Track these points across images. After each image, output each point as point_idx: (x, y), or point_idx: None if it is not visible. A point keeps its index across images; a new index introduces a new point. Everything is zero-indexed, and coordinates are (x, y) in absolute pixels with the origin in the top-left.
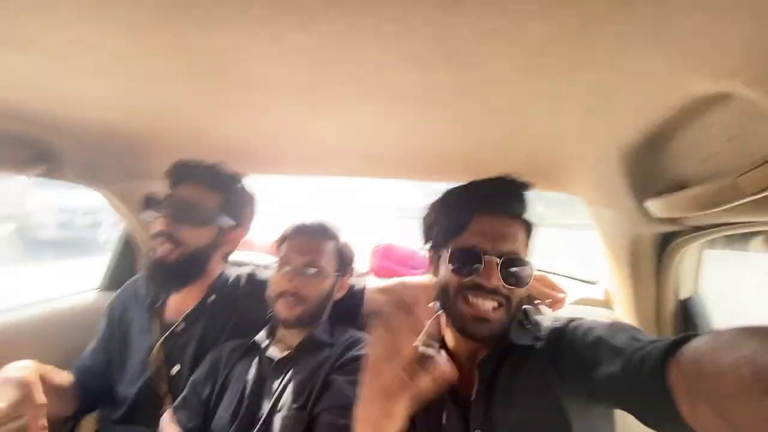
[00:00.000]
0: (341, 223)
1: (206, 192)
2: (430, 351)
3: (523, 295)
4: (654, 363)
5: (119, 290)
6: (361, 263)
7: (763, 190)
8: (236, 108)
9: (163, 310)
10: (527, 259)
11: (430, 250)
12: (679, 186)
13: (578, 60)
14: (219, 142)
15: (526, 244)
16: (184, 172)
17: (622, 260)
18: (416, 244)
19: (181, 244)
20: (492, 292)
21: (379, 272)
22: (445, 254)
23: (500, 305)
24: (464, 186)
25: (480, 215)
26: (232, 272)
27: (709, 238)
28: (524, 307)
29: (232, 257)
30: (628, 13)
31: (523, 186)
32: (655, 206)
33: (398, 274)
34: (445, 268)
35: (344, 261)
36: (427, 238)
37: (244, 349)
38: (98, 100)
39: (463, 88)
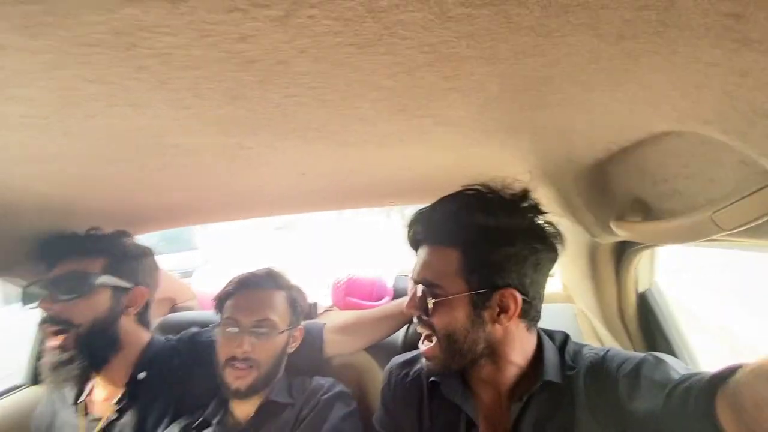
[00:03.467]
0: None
1: (85, 260)
2: None
3: (450, 326)
4: (699, 398)
5: (46, 397)
6: (323, 299)
7: (741, 226)
8: (158, 171)
9: (89, 404)
10: (440, 283)
11: None
12: (639, 203)
13: (532, 103)
14: (145, 202)
15: (455, 270)
16: (56, 250)
17: (579, 262)
18: (375, 270)
19: (72, 325)
20: (418, 320)
21: (344, 308)
22: None
23: (429, 338)
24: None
25: (420, 247)
26: (160, 341)
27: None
28: (562, 335)
29: (169, 317)
30: (592, 66)
31: (455, 208)
32: (623, 232)
33: (362, 308)
34: None
35: (297, 312)
36: None
37: (195, 427)
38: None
39: (410, 134)
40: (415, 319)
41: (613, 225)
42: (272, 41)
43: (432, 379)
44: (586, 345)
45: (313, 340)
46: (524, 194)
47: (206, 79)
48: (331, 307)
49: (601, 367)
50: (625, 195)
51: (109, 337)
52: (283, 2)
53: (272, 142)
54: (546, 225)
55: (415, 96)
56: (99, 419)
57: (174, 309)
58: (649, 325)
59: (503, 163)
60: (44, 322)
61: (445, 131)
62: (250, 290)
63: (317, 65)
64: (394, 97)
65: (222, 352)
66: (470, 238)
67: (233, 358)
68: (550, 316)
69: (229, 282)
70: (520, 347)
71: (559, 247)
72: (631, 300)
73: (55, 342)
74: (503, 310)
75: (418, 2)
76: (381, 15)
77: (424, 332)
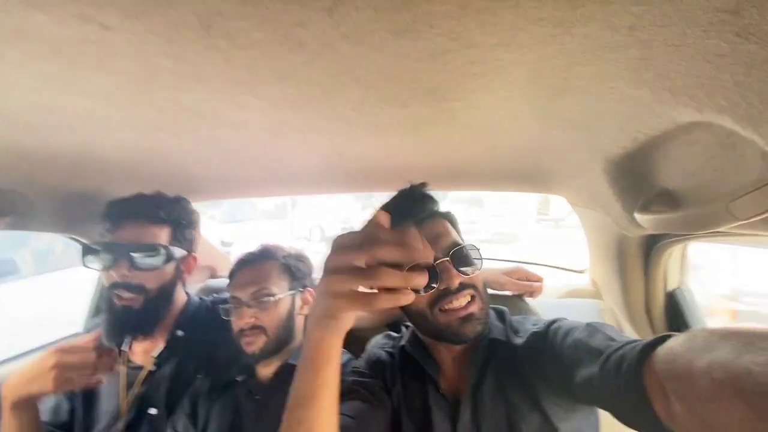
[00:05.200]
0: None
1: (153, 227)
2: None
3: (484, 277)
4: (630, 364)
5: None
6: None
7: (755, 216)
8: (212, 143)
9: (128, 354)
10: (463, 243)
11: None
12: (666, 195)
13: (559, 88)
14: (196, 172)
15: (458, 232)
16: (123, 211)
17: (608, 257)
18: None
19: (144, 290)
20: (461, 289)
21: None
22: None
23: (473, 297)
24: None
25: (423, 222)
26: (196, 302)
27: (697, 239)
28: (499, 308)
29: (210, 282)
30: (611, 55)
31: (423, 187)
32: (645, 221)
33: None
34: None
35: (296, 275)
36: None
37: (222, 385)
38: (69, 149)
39: (442, 117)
40: (455, 285)
41: (636, 215)
42: (321, 27)
43: (401, 342)
44: (531, 317)
45: None
46: None
47: (262, 59)
48: None
49: (545, 337)
50: (653, 187)
51: (168, 300)
52: None
53: (313, 120)
54: None
55: (444, 79)
56: (139, 368)
57: (213, 278)
58: (677, 326)
59: (533, 152)
60: (117, 286)
61: (476, 116)
62: (246, 268)
63: (357, 48)
64: (425, 79)
65: (234, 327)
66: (442, 209)
67: (242, 330)
68: (576, 311)
69: (234, 262)
70: None
71: None
72: (659, 298)
73: (124, 301)
74: None
75: None
76: (413, 6)
77: (467, 298)
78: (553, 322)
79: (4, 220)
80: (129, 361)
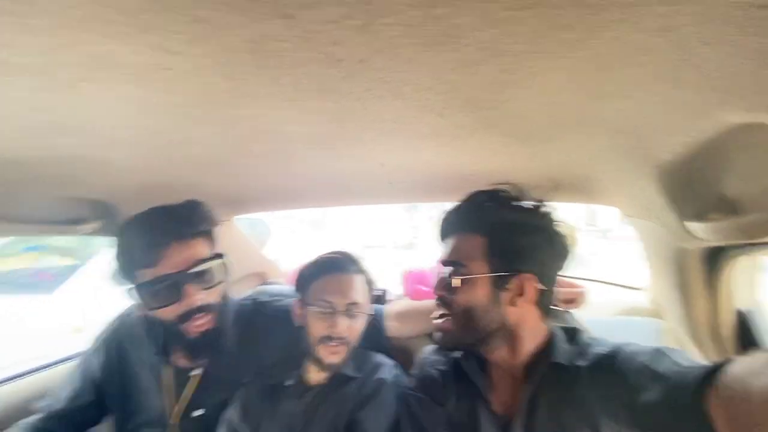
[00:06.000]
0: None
1: (198, 241)
2: None
3: (470, 303)
4: (693, 389)
5: (113, 328)
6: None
7: None
8: (262, 157)
9: (175, 357)
10: (466, 264)
11: None
12: (724, 203)
13: (599, 93)
14: (248, 185)
15: (480, 254)
16: (163, 234)
17: (667, 272)
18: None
19: (214, 307)
20: (440, 299)
21: (414, 296)
22: None
23: (446, 314)
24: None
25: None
26: (236, 303)
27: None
28: (571, 328)
29: (260, 288)
30: (645, 58)
31: (484, 200)
32: (699, 230)
33: (429, 295)
34: None
35: (372, 295)
36: None
37: (271, 388)
38: (144, 163)
39: (481, 125)
40: (436, 300)
41: (692, 226)
42: (356, 43)
43: (455, 356)
44: (598, 338)
45: (376, 322)
46: (541, 199)
47: (305, 75)
48: (401, 296)
49: (612, 360)
50: (710, 194)
51: (228, 306)
52: (363, 15)
53: (354, 133)
54: (559, 225)
55: (479, 87)
56: (183, 370)
57: (264, 284)
58: (749, 349)
59: (580, 160)
60: (190, 315)
61: (515, 124)
62: (339, 274)
63: (391, 62)
64: (459, 89)
65: (315, 330)
66: (495, 226)
67: (328, 337)
68: (633, 331)
69: (313, 263)
70: (531, 333)
71: (569, 246)
72: (727, 318)
73: (201, 328)
74: (520, 293)
75: (467, 9)
76: (438, 20)
77: (440, 312)
78: (620, 346)
79: (90, 225)
80: (176, 364)
